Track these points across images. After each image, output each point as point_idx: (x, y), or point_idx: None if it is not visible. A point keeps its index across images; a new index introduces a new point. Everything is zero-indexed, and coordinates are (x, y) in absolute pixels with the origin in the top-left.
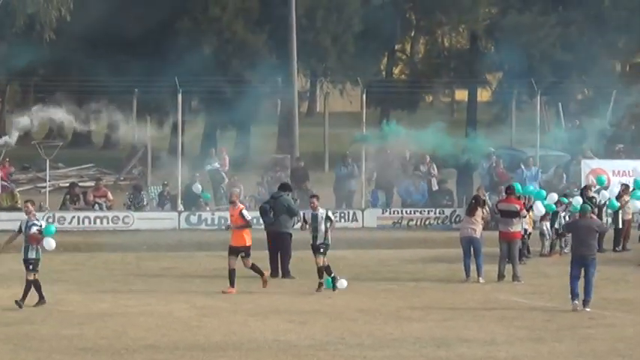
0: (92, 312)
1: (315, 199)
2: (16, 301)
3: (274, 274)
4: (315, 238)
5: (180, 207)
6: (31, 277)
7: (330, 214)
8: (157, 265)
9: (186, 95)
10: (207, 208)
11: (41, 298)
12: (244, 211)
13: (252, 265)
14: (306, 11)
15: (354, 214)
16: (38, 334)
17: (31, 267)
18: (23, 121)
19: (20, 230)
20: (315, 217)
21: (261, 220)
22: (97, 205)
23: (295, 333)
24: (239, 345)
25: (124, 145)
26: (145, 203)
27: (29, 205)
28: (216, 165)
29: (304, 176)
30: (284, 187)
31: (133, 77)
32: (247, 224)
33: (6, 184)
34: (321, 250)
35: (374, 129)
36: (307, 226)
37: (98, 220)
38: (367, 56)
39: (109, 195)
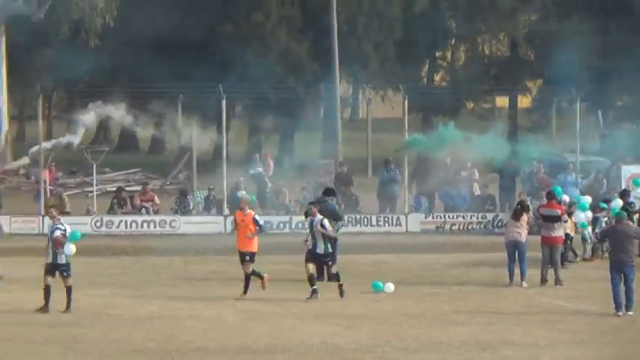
0: (140, 315)
1: (313, 207)
2: (64, 311)
3: (320, 278)
4: (315, 246)
5: (226, 211)
6: (69, 283)
7: (325, 222)
8: (204, 268)
9: (231, 101)
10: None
11: (46, 304)
12: (257, 217)
13: (252, 270)
14: (348, 19)
15: (398, 218)
16: (87, 337)
17: (65, 273)
18: (88, 118)
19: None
20: (311, 223)
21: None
22: (144, 209)
23: (342, 336)
24: (287, 348)
25: (170, 150)
26: (191, 207)
27: (52, 210)
28: (260, 170)
29: (348, 181)
30: (328, 191)
31: (178, 83)
32: (261, 229)
33: (53, 188)
34: (330, 263)
35: (429, 132)
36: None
37: (145, 224)
38: (408, 63)
39: (156, 199)
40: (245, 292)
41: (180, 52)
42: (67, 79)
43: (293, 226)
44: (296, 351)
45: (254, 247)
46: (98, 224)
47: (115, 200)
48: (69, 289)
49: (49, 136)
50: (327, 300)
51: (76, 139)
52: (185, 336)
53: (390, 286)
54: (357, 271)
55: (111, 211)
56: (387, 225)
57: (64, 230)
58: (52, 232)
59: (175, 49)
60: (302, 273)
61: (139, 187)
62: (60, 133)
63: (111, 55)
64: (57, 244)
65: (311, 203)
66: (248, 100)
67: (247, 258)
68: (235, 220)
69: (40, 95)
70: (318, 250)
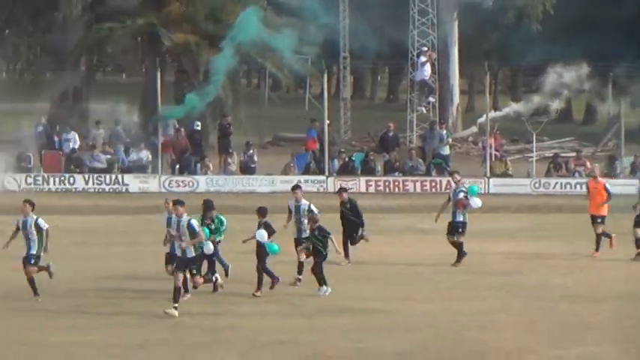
0: (574, 265)
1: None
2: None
3: None
4: None
5: None
6: (460, 239)
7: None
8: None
9: None
10: None
11: (461, 256)
12: (607, 184)
13: (602, 231)
14: None
15: None
16: (527, 283)
17: (460, 230)
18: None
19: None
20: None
21: None
22: (577, 172)
23: None
24: None
25: (602, 121)
26: (618, 172)
27: (456, 175)
28: None
29: None
30: None
31: (610, 62)
32: (610, 196)
33: (498, 153)
34: None
35: None
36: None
37: (578, 186)
38: None
39: (588, 164)
40: (597, 249)
41: (610, 36)
42: (512, 59)
43: None
44: None
45: (604, 211)
46: (537, 185)
47: (552, 165)
48: (454, 245)
49: (495, 109)
50: None
51: (556, 104)
52: (605, 283)
53: None
54: None
55: (548, 174)
56: None
57: (465, 191)
58: (456, 194)
59: (604, 33)
60: None
61: (572, 154)
62: (504, 106)
63: (549, 38)
64: (460, 205)
65: None
66: None
67: (599, 220)
68: (588, 187)
69: (488, 73)
70: None
